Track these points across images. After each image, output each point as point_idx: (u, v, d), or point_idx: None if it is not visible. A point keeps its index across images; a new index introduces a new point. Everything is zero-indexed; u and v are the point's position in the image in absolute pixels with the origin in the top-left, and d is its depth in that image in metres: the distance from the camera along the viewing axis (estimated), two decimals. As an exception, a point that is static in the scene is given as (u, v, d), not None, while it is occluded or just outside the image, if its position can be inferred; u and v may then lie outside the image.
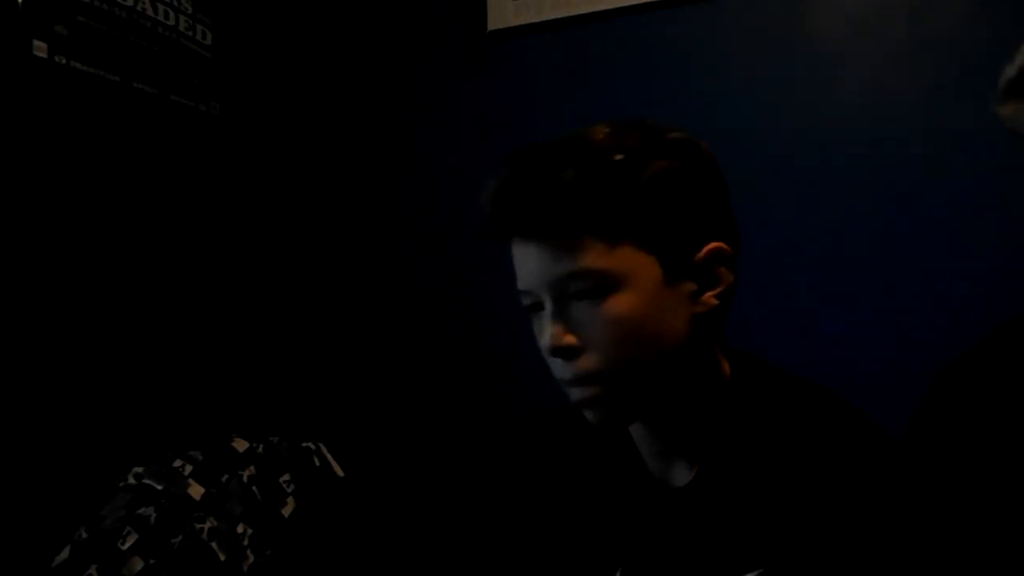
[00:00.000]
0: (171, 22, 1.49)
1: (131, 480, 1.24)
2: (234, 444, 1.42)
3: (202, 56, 1.57)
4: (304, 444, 1.52)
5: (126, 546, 1.15)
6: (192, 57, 1.54)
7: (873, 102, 1.34)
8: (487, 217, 0.65)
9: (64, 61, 1.27)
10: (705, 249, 0.64)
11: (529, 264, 0.64)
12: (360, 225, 1.77)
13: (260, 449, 1.44)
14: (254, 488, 1.37)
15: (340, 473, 1.54)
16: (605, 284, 0.61)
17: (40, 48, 1.24)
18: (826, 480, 0.59)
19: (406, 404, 1.70)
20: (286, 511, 1.40)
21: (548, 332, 0.63)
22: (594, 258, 0.61)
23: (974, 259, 1.26)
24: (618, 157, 0.62)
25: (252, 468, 1.39)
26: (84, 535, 1.15)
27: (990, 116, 0.66)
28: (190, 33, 1.54)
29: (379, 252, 1.75)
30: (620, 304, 0.61)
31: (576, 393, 0.65)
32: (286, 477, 1.43)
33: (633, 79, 1.52)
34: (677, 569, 0.66)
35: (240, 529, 1.30)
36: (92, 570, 1.12)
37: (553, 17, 1.57)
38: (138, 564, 1.15)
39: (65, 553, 1.13)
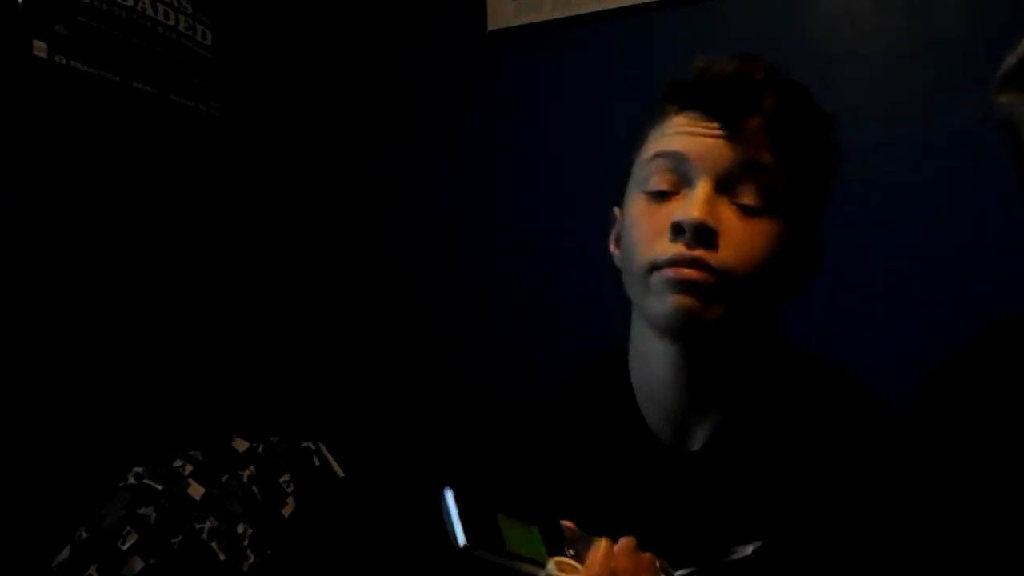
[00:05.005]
0: (171, 22, 1.49)
1: (131, 480, 1.24)
2: (234, 444, 1.42)
3: (202, 56, 1.57)
4: (304, 444, 1.52)
5: (126, 546, 1.15)
6: (192, 57, 1.54)
7: (873, 102, 1.34)
8: (724, 76, 0.62)
9: (64, 61, 1.27)
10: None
11: (709, 141, 0.61)
12: (359, 226, 1.77)
13: (260, 449, 1.44)
14: (254, 488, 1.37)
15: (340, 473, 1.54)
16: (770, 204, 0.61)
17: (40, 48, 1.24)
18: (841, 456, 0.59)
19: (406, 404, 1.70)
20: (286, 511, 1.40)
21: (697, 205, 0.58)
22: (781, 176, 0.61)
23: (973, 259, 1.26)
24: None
25: (252, 468, 1.39)
26: (84, 535, 1.15)
27: (990, 115, 0.67)
28: (190, 33, 1.54)
29: (379, 252, 1.75)
30: (772, 228, 0.61)
31: (685, 273, 0.59)
32: (286, 477, 1.43)
33: (633, 79, 1.52)
34: (680, 533, 0.65)
35: (240, 529, 1.30)
36: (92, 570, 1.12)
37: (554, 17, 1.57)
38: (138, 564, 1.15)
39: (65, 553, 1.13)
